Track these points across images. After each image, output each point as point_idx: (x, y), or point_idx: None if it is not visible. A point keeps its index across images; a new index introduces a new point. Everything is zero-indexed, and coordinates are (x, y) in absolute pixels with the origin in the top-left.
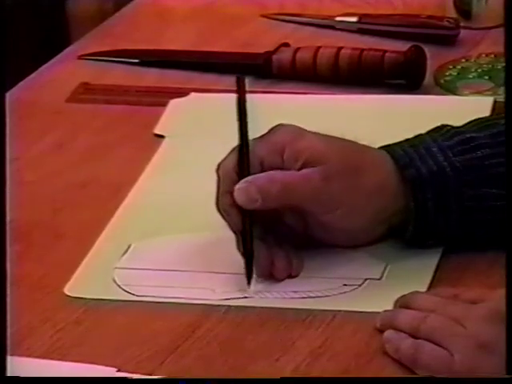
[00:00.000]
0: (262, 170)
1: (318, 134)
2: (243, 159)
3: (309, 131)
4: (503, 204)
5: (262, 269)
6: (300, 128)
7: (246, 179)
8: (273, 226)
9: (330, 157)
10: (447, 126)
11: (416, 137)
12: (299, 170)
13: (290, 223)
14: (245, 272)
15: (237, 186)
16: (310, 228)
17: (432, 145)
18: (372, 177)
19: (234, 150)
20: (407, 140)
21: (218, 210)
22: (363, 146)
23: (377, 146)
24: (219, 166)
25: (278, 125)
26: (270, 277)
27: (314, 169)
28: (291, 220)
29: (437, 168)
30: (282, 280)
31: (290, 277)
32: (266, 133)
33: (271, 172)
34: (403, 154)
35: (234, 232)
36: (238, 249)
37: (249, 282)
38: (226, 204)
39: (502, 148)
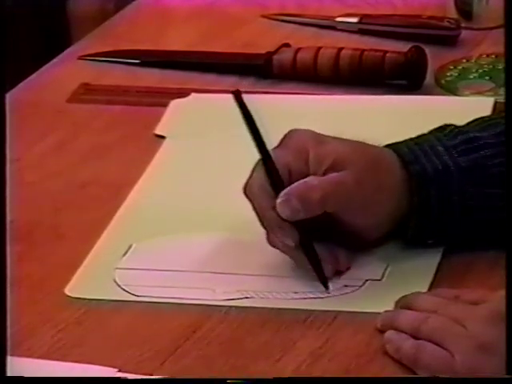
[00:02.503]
0: (291, 178)
1: (336, 137)
2: (272, 172)
3: (326, 135)
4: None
5: (331, 268)
6: (317, 133)
7: (283, 192)
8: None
9: (354, 159)
10: (451, 125)
11: (420, 136)
12: (324, 174)
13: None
14: (318, 278)
15: (278, 201)
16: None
17: (436, 143)
18: (389, 175)
19: (255, 167)
20: (411, 139)
21: (265, 228)
22: (375, 145)
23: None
24: (246, 187)
25: (292, 130)
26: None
27: (344, 173)
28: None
29: (441, 166)
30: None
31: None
32: (283, 139)
33: (306, 180)
34: (408, 151)
35: (291, 246)
36: (298, 261)
37: (326, 287)
38: (276, 219)
39: (504, 148)
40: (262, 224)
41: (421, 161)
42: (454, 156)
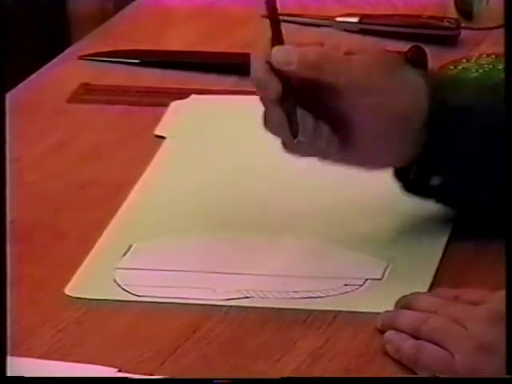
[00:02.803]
0: None
1: None
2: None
3: None
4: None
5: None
6: None
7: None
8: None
9: (372, 49)
10: None
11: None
12: None
13: (327, 106)
14: (289, 127)
15: (275, 48)
16: (343, 116)
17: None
18: (406, 78)
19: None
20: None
21: (252, 80)
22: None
23: None
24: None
25: None
26: (311, 137)
27: (355, 56)
28: (328, 101)
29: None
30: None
31: (319, 146)
32: None
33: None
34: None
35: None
36: (265, 121)
37: (295, 136)
38: (264, 70)
39: None
40: (252, 77)
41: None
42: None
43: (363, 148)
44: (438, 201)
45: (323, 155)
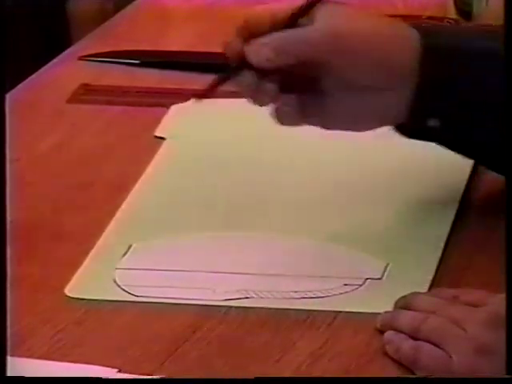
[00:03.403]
0: None
1: None
2: None
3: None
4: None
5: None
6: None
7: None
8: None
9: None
10: None
11: None
12: None
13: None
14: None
15: (246, 47)
16: (325, 85)
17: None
18: (393, 26)
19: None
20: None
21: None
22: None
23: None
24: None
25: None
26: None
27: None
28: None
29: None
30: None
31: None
32: None
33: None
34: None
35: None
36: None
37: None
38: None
39: None
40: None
41: (436, 36)
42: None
43: (355, 106)
44: (438, 143)
45: (312, 121)
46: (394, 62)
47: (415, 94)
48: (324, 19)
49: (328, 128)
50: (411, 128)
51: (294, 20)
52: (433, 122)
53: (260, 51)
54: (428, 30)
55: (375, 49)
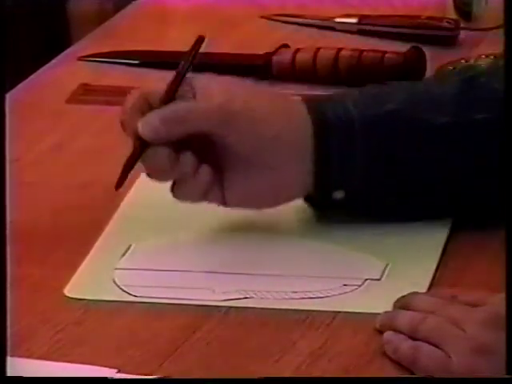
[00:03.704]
0: None
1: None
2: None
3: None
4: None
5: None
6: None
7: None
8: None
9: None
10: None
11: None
12: None
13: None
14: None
15: (139, 122)
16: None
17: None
18: (273, 106)
19: None
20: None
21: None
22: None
23: None
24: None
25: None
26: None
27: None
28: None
29: (344, 116)
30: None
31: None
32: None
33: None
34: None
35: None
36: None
37: (116, 187)
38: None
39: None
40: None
41: (324, 109)
42: (359, 108)
43: (257, 184)
44: (346, 212)
45: (214, 199)
46: (289, 138)
47: (315, 168)
48: (205, 92)
49: (227, 206)
50: (318, 200)
51: (171, 92)
52: (338, 194)
53: (147, 122)
54: (316, 104)
55: (268, 126)
